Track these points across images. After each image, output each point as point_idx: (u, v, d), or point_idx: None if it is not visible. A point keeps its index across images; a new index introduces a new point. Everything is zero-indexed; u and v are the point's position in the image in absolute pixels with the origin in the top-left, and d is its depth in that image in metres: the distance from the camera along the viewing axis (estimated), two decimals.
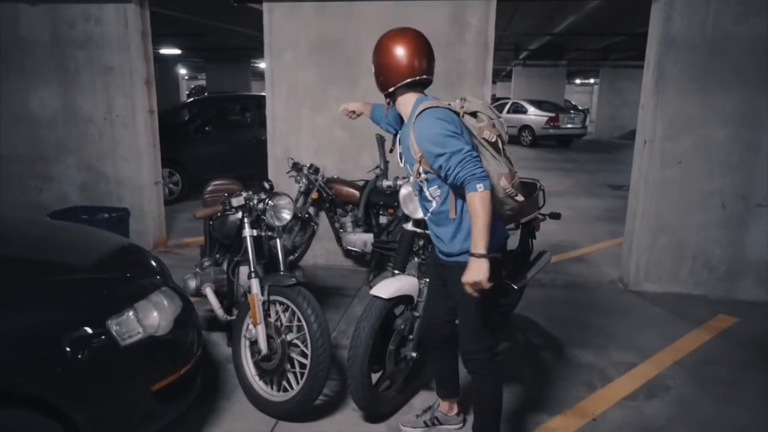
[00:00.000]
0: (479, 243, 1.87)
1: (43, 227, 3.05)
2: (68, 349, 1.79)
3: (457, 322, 2.27)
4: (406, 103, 2.15)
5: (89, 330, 1.86)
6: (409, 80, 2.09)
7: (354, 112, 2.70)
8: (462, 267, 1.95)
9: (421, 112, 2.01)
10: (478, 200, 1.87)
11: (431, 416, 2.60)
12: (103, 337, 1.88)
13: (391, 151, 2.40)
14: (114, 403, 1.93)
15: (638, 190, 4.37)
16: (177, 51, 16.57)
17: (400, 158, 2.25)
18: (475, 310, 2.13)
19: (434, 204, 2.14)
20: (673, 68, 4.09)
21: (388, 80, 2.12)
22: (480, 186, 1.87)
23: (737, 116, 4.06)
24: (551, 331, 3.72)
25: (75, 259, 2.28)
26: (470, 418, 2.54)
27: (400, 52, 2.09)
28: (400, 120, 2.33)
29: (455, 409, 2.61)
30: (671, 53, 4.08)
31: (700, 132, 4.14)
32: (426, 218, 2.26)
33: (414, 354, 2.65)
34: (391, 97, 2.17)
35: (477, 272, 1.87)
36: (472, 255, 1.88)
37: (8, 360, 1.70)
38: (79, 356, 1.81)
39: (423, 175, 2.07)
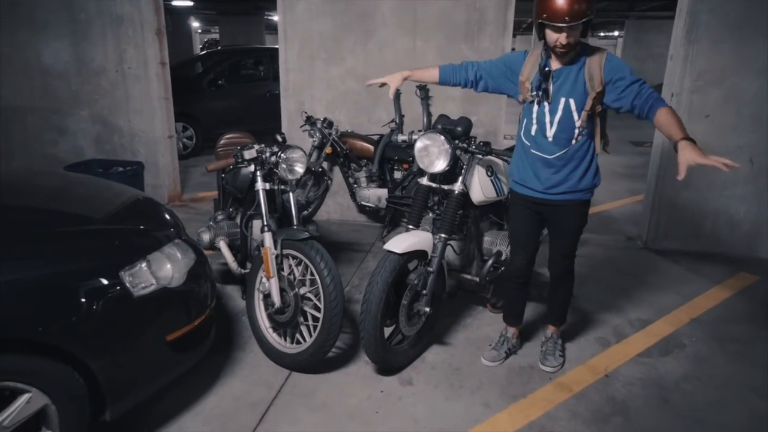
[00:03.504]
0: (685, 132, 2.13)
1: (58, 179, 3.04)
2: (83, 298, 1.80)
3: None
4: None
5: (103, 280, 1.87)
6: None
7: (385, 84, 2.68)
8: (578, 203, 2.50)
9: (608, 52, 2.33)
10: (671, 112, 2.21)
11: (509, 345, 2.86)
12: (116, 287, 1.89)
13: (532, 99, 2.41)
14: (129, 352, 1.95)
15: (662, 146, 4.23)
16: (189, 3, 16.21)
17: (547, 95, 2.36)
18: (576, 234, 2.62)
19: (574, 142, 2.39)
20: (708, 16, 3.86)
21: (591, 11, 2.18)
22: (666, 104, 2.24)
23: None
24: None
25: (89, 210, 2.28)
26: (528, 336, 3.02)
27: None
28: (505, 73, 2.50)
29: (518, 334, 2.93)
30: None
31: (730, 84, 3.95)
32: (551, 158, 2.42)
33: (427, 309, 2.65)
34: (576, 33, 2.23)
35: (694, 150, 2.05)
36: (687, 139, 2.08)
37: (25, 309, 1.71)
38: (94, 306, 1.82)
39: (585, 112, 2.32)
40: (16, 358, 1.69)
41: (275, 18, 21.06)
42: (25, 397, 1.70)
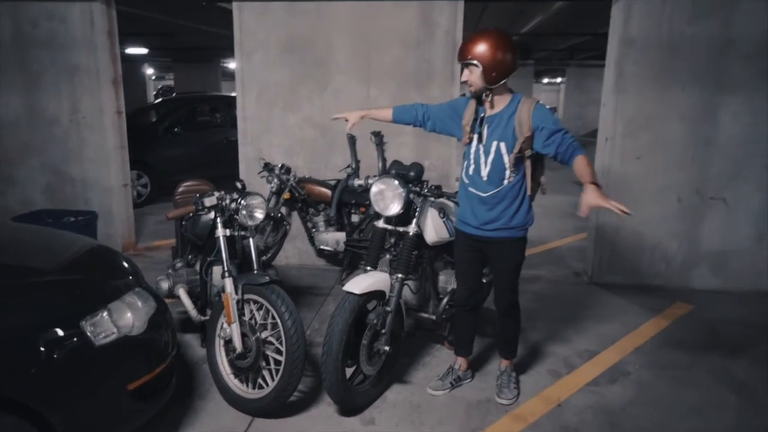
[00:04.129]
0: (594, 177, 2.36)
1: (8, 230, 3.00)
2: (42, 350, 1.81)
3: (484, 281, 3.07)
4: (504, 94, 2.58)
5: (63, 331, 1.88)
6: (511, 75, 2.50)
7: (352, 123, 2.95)
8: (512, 240, 2.66)
9: (537, 102, 2.54)
10: (585, 159, 2.43)
11: (454, 376, 2.98)
12: (77, 337, 1.90)
13: (470, 140, 2.66)
14: (90, 402, 1.94)
15: (600, 185, 4.53)
16: (144, 50, 16.25)
17: (481, 140, 2.61)
18: (513, 269, 2.76)
19: (506, 182, 2.59)
20: (633, 67, 4.27)
21: (500, 75, 2.49)
22: (583, 152, 2.46)
23: (692, 113, 4.27)
24: None
25: (45, 261, 2.28)
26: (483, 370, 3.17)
27: (510, 51, 2.48)
28: (450, 116, 2.76)
29: (467, 366, 3.04)
30: (630, 53, 4.25)
31: (657, 129, 4.33)
32: (485, 197, 2.62)
33: (387, 347, 2.73)
34: (491, 90, 2.53)
35: (597, 194, 2.29)
36: (594, 183, 2.33)
37: None
38: (54, 357, 1.82)
39: (513, 155, 2.52)
40: None
41: (231, 65, 21.32)
42: None
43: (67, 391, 1.87)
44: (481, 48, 2.45)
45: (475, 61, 2.45)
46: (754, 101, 4.19)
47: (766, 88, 4.17)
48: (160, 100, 11.30)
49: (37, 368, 1.78)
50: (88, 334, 1.93)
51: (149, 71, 24.26)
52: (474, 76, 2.50)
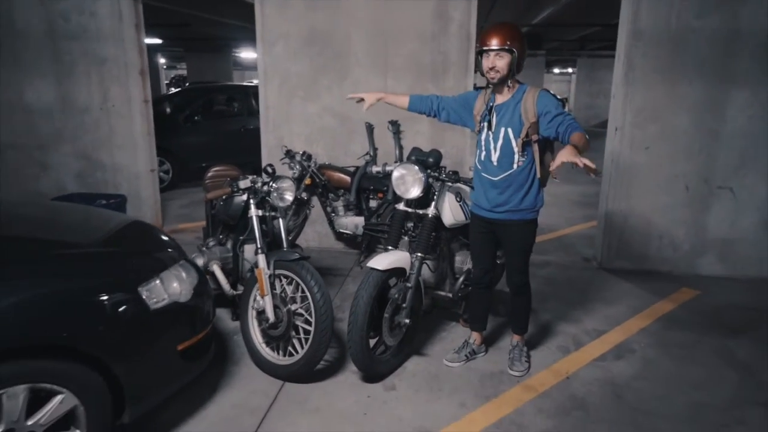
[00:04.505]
0: (580, 146, 2.42)
1: (57, 208, 3.24)
2: (108, 310, 2.03)
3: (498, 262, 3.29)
4: (515, 84, 2.76)
5: (124, 295, 2.10)
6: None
7: (363, 99, 3.07)
8: (522, 223, 2.82)
9: (541, 89, 2.73)
10: (582, 136, 2.51)
11: (469, 350, 3.18)
12: (135, 301, 2.12)
13: (481, 128, 2.84)
14: (147, 359, 2.17)
15: (610, 174, 4.71)
16: (158, 41, 16.50)
17: (490, 127, 2.78)
18: (524, 251, 2.94)
19: (515, 166, 2.75)
20: (641, 60, 4.41)
21: (522, 65, 2.70)
22: (583, 132, 2.55)
23: (699, 105, 4.41)
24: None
25: (107, 235, 2.50)
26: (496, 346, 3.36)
27: (526, 44, 2.70)
28: (463, 107, 2.94)
29: (481, 340, 3.24)
30: (639, 45, 4.39)
31: (665, 120, 4.48)
32: (496, 180, 2.79)
33: (407, 320, 2.94)
34: (512, 79, 2.73)
35: (571, 151, 2.33)
36: (574, 145, 2.40)
37: (60, 318, 1.93)
38: (118, 317, 2.05)
39: (520, 139, 2.69)
40: (53, 362, 1.90)
41: (242, 55, 21.49)
42: (59, 398, 1.91)
43: (129, 347, 2.09)
44: (516, 36, 2.64)
45: (513, 48, 2.62)
46: (760, 94, 4.32)
47: None
48: (179, 89, 11.53)
49: (104, 326, 2.01)
50: (144, 298, 2.15)
51: (161, 60, 24.55)
52: (503, 62, 2.65)
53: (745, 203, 4.53)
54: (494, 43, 2.63)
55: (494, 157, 2.80)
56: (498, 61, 2.66)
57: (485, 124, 2.81)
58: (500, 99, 2.79)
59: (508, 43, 2.62)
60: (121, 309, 2.07)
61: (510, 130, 2.73)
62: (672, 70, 4.38)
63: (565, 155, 2.33)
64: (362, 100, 3.08)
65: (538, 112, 2.66)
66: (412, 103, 3.07)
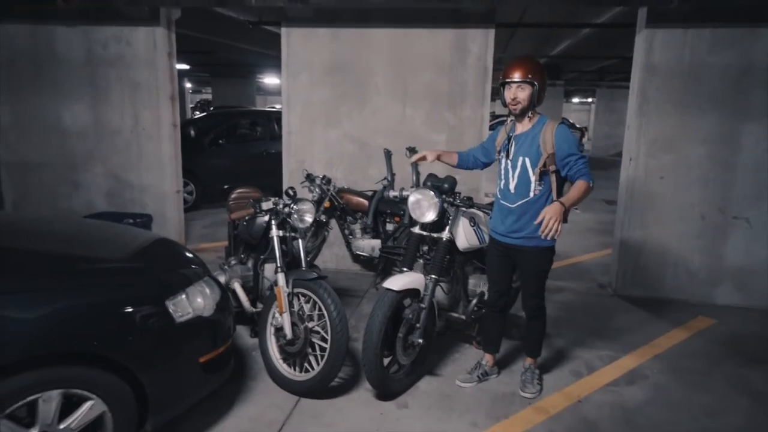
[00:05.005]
0: (570, 201, 2.66)
1: (90, 226, 3.41)
2: (137, 322, 2.16)
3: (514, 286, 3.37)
4: (535, 115, 2.90)
5: (152, 308, 2.23)
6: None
7: (430, 160, 3.22)
8: (538, 249, 2.88)
9: (560, 123, 2.83)
10: (586, 186, 2.71)
11: (482, 371, 3.24)
12: (163, 314, 2.25)
13: (501, 157, 3.01)
14: (171, 370, 2.29)
15: (625, 203, 4.76)
16: (185, 66, 17.07)
17: (508, 155, 2.92)
18: (539, 276, 3.00)
19: (532, 194, 2.85)
20: (655, 93, 4.51)
21: (543, 98, 2.85)
22: (590, 181, 2.73)
23: (712, 136, 4.47)
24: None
25: (136, 250, 2.65)
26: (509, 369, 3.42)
27: (546, 77, 2.85)
28: (489, 147, 3.15)
29: (493, 362, 3.30)
30: (653, 79, 4.50)
31: (679, 150, 4.54)
32: (513, 207, 2.90)
33: (420, 340, 3.02)
34: (534, 110, 2.88)
35: (557, 210, 2.58)
36: (560, 202, 2.62)
37: (93, 328, 2.07)
38: (146, 328, 2.18)
39: (538, 169, 2.81)
40: (84, 369, 2.03)
41: (266, 80, 22.02)
42: (89, 404, 2.03)
43: (155, 358, 2.21)
44: (537, 69, 2.78)
45: (534, 81, 2.76)
46: None
47: None
48: (204, 114, 11.90)
49: (133, 336, 2.14)
50: (171, 312, 2.28)
51: (188, 85, 25.30)
52: (525, 94, 2.80)
53: (760, 233, 4.54)
54: (516, 76, 2.78)
55: (512, 185, 2.91)
56: (519, 93, 2.81)
57: (504, 152, 2.93)
58: (520, 129, 2.92)
59: (530, 76, 2.77)
60: (149, 321, 2.20)
61: (528, 160, 2.84)
62: (685, 103, 4.47)
63: (548, 211, 2.57)
64: (424, 158, 3.21)
65: (555, 146, 2.78)
66: (460, 161, 3.26)
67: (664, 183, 4.61)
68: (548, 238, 2.61)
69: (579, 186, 2.72)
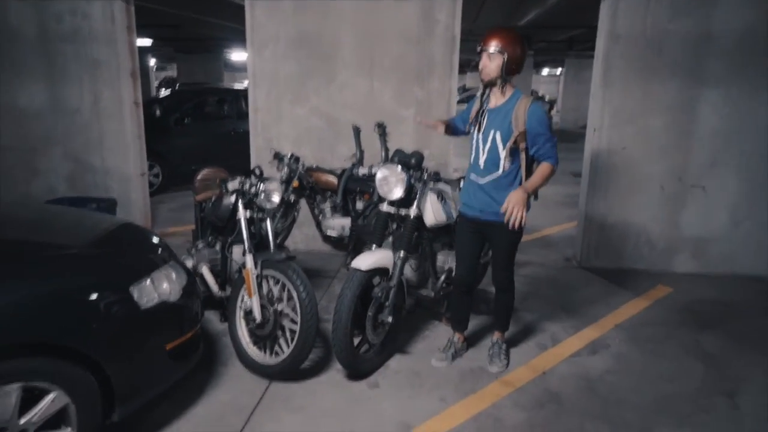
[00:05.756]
0: (532, 186, 2.76)
1: (48, 211, 3.32)
2: (100, 309, 2.13)
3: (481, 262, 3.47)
4: (509, 88, 2.88)
5: (116, 294, 2.20)
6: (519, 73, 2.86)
7: (432, 126, 3.28)
8: (507, 224, 2.75)
9: (535, 100, 2.80)
10: (550, 169, 2.81)
11: (454, 349, 3.29)
12: (127, 300, 2.22)
13: (472, 129, 3.02)
14: (137, 358, 2.27)
15: (589, 175, 4.85)
16: (148, 42, 16.49)
17: (480, 128, 2.92)
18: (510, 249, 3.05)
19: (501, 171, 2.87)
20: (619, 61, 4.55)
21: (515, 70, 2.83)
22: (555, 164, 2.82)
23: (672, 106, 4.56)
24: None
25: (99, 236, 2.59)
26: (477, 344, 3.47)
27: (525, 51, 2.82)
28: (467, 114, 3.08)
29: (463, 339, 3.37)
30: (617, 48, 4.53)
31: (641, 121, 4.63)
32: (483, 183, 2.93)
33: (390, 319, 3.05)
34: (505, 82, 2.84)
35: (521, 198, 2.69)
36: (524, 188, 2.72)
37: (53, 316, 2.02)
38: (109, 316, 2.15)
39: (508, 145, 2.82)
40: (45, 361, 1.99)
41: (233, 56, 21.45)
42: (51, 396, 1.99)
43: (120, 346, 2.19)
44: (508, 40, 2.76)
45: (503, 51, 2.74)
46: (732, 94, 4.48)
47: (742, 82, 4.46)
48: (169, 92, 11.56)
49: (96, 324, 2.11)
50: (135, 298, 2.25)
51: (152, 62, 24.49)
52: (494, 64, 2.79)
53: (716, 202, 4.70)
54: (487, 45, 2.78)
55: (481, 160, 2.92)
56: (488, 62, 2.80)
57: (476, 125, 2.93)
58: (494, 102, 2.91)
59: (500, 46, 2.75)
60: (112, 308, 2.17)
61: (498, 134, 2.85)
62: (648, 72, 4.53)
63: (512, 199, 2.68)
64: (435, 127, 3.28)
65: (527, 124, 2.78)
66: (450, 128, 3.27)
67: (626, 154, 4.70)
68: (514, 227, 2.68)
69: (543, 170, 2.79)
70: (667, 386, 3.08)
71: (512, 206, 2.67)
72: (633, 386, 3.07)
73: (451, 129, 3.27)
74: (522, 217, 2.69)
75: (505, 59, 2.76)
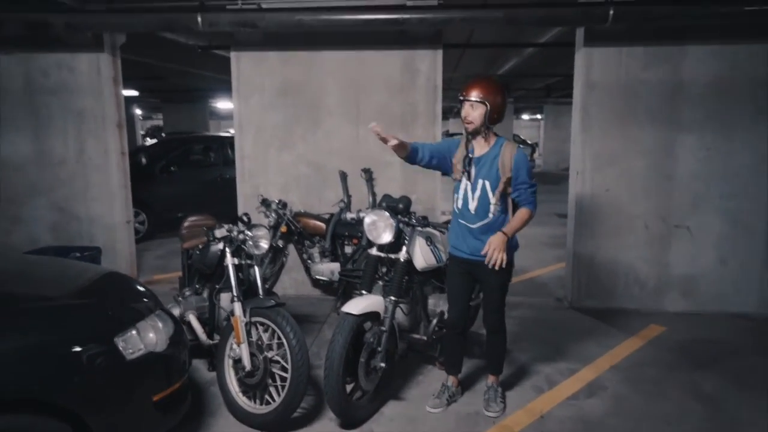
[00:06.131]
0: (512, 230, 2.84)
1: (26, 262, 3.24)
2: (84, 361, 2.05)
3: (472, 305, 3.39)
4: (492, 135, 2.94)
5: (100, 346, 2.12)
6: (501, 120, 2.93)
7: (379, 135, 2.85)
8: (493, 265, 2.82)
9: (519, 147, 2.89)
10: (528, 214, 2.88)
11: (449, 393, 3.22)
12: (111, 352, 2.14)
13: (460, 178, 3.00)
14: (122, 410, 2.17)
15: (575, 216, 4.91)
16: (134, 93, 16.67)
17: (469, 177, 2.95)
18: (500, 290, 3.05)
19: (491, 216, 2.92)
20: (596, 109, 4.70)
21: (498, 118, 2.89)
22: (533, 209, 2.89)
23: (651, 149, 4.69)
24: None
25: (82, 286, 2.53)
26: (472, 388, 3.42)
27: (505, 100, 2.89)
28: (444, 154, 3.04)
29: (457, 383, 3.31)
30: (593, 95, 4.69)
31: (622, 163, 4.73)
32: (473, 228, 2.95)
33: (382, 364, 2.98)
34: (488, 130, 2.91)
35: (501, 241, 2.78)
36: (503, 232, 2.80)
37: (32, 371, 1.94)
38: (93, 368, 2.07)
39: (497, 192, 2.88)
40: (22, 416, 1.89)
41: (218, 105, 21.72)
42: None
43: (104, 398, 2.10)
44: (489, 90, 2.82)
45: (484, 101, 2.80)
46: (706, 138, 4.63)
47: (717, 127, 4.61)
48: (155, 140, 11.61)
49: (79, 377, 2.02)
50: (120, 349, 2.17)
51: (138, 111, 24.70)
52: (476, 113, 2.84)
53: (702, 241, 4.76)
54: (469, 95, 2.83)
55: (472, 206, 2.95)
56: (471, 112, 2.86)
57: (465, 174, 2.96)
58: (479, 151, 2.95)
59: (482, 96, 2.81)
60: (96, 360, 2.09)
61: (488, 183, 2.90)
62: (625, 118, 4.68)
63: (493, 245, 2.77)
64: (384, 140, 2.84)
65: (513, 171, 2.86)
66: (410, 153, 2.94)
67: (609, 195, 4.78)
68: (495, 268, 2.77)
69: (522, 214, 2.87)
70: (667, 429, 3.02)
71: (492, 249, 2.77)
72: (633, 429, 3.01)
73: (409, 153, 2.93)
74: (502, 258, 2.77)
75: (488, 108, 2.82)
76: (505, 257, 2.78)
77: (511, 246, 2.96)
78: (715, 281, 4.80)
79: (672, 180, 4.71)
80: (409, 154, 2.95)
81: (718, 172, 4.66)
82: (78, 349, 2.07)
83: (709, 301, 4.81)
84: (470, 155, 2.96)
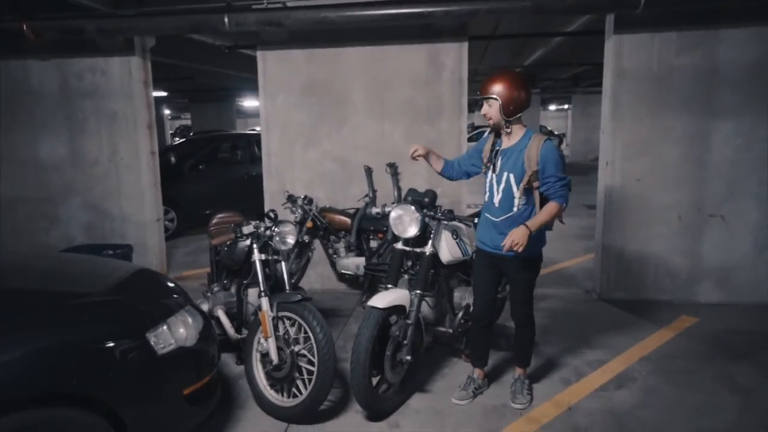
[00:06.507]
0: (536, 224, 2.77)
1: (64, 259, 3.36)
2: (117, 357, 2.12)
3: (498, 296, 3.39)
4: (518, 128, 2.91)
5: (133, 341, 2.20)
6: (525, 110, 2.86)
7: (419, 153, 3.13)
8: (524, 260, 2.89)
9: (547, 139, 2.82)
10: (557, 208, 2.80)
11: (475, 385, 3.22)
12: (143, 347, 2.21)
13: (486, 170, 3.00)
14: (154, 404, 2.24)
15: (604, 207, 4.82)
16: (163, 93, 17.04)
17: (495, 170, 2.94)
18: (528, 284, 3.04)
19: (515, 210, 2.89)
20: (627, 97, 4.59)
21: (516, 110, 2.83)
22: (564, 204, 2.81)
23: (685, 137, 4.56)
24: None
25: (115, 283, 2.61)
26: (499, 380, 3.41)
27: (524, 89, 2.84)
28: (474, 156, 3.10)
29: (483, 376, 3.30)
30: (624, 84, 4.58)
31: (654, 152, 4.62)
32: (497, 221, 2.93)
33: (408, 357, 3.00)
34: (509, 123, 2.86)
35: (522, 234, 2.71)
36: (526, 225, 2.73)
37: (69, 366, 2.02)
38: (126, 363, 2.14)
39: (522, 185, 2.84)
40: (59, 410, 1.97)
41: (245, 103, 22.01)
42: None
43: (137, 392, 2.17)
44: (500, 85, 2.80)
45: (494, 96, 2.80)
46: (744, 124, 4.48)
47: (754, 113, 4.46)
48: (183, 140, 11.85)
49: (113, 372, 2.09)
50: (152, 344, 2.24)
51: (166, 112, 25.24)
52: (493, 109, 2.84)
53: (737, 230, 4.62)
54: (483, 93, 2.85)
55: (496, 199, 2.93)
56: (488, 108, 2.86)
57: (491, 166, 2.95)
58: (506, 143, 2.93)
59: (492, 91, 2.80)
60: (129, 355, 2.16)
61: (512, 176, 2.87)
62: (657, 106, 4.56)
63: (514, 235, 2.70)
64: (416, 150, 3.12)
65: (540, 164, 2.80)
66: (444, 169, 3.21)
67: (640, 185, 4.68)
68: (513, 252, 2.74)
69: (550, 208, 2.79)
70: (700, 421, 2.96)
71: (512, 241, 2.71)
72: (665, 421, 2.96)
73: (448, 170, 3.20)
74: (520, 245, 2.70)
75: (500, 102, 2.80)
76: (522, 247, 2.70)
77: (538, 241, 2.93)
78: (751, 271, 4.65)
79: (706, 168, 4.57)
80: (445, 170, 3.21)
81: (755, 159, 4.51)
82: (112, 344, 2.14)
83: (744, 291, 4.67)
84: (497, 147, 2.95)
